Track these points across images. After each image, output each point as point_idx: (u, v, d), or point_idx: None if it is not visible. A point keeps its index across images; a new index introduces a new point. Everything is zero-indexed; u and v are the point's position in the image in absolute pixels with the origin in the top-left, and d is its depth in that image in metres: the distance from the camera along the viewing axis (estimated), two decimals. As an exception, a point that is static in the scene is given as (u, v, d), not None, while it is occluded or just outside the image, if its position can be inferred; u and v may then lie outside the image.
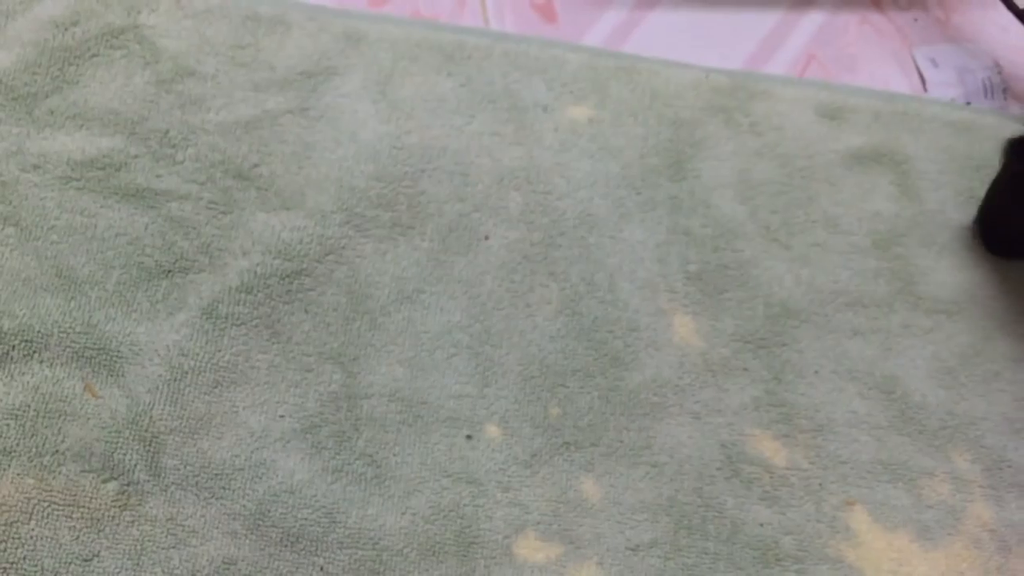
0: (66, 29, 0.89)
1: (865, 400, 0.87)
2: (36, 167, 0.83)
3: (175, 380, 0.77)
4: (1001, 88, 1.06)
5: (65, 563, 0.70)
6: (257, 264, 0.82)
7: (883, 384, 0.87)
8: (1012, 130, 1.01)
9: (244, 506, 0.74)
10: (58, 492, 0.72)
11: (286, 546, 0.74)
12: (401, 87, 0.93)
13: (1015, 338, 0.92)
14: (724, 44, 1.04)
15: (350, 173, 0.88)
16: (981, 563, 0.82)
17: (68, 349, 0.77)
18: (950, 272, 0.93)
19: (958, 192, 0.97)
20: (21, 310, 0.77)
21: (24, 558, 0.70)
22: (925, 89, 1.05)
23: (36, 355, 0.76)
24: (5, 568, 0.69)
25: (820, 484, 0.82)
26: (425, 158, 0.90)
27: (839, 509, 0.82)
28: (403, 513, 0.76)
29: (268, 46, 0.92)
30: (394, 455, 0.78)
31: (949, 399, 0.88)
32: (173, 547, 0.72)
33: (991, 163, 0.97)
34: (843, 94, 1.01)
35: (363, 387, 0.80)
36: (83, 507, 0.72)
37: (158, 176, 0.84)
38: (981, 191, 0.97)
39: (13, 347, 0.75)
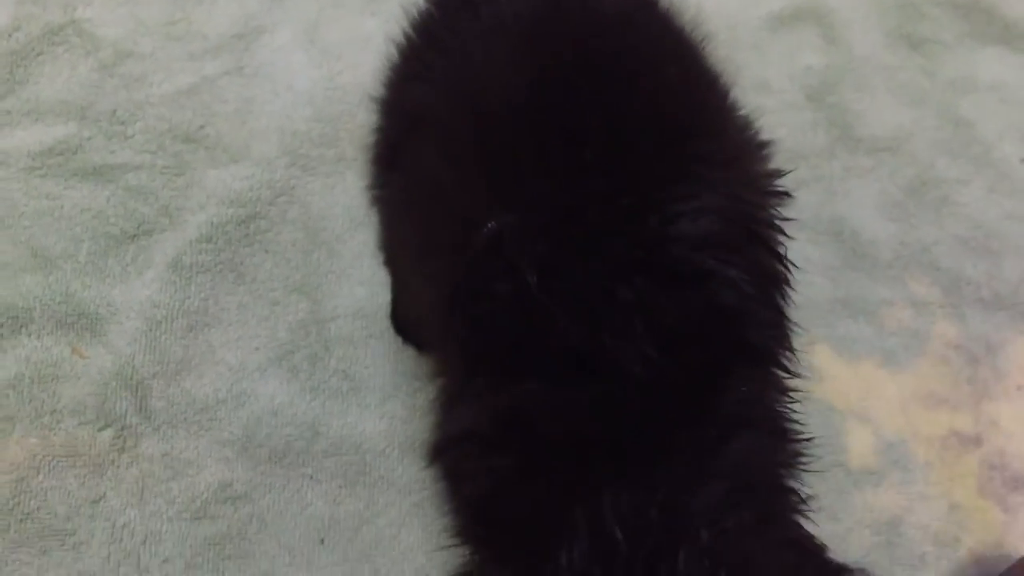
0: (10, 35, 0.94)
1: (816, 245, 0.88)
2: (0, 164, 0.89)
3: (151, 330, 0.82)
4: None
5: (75, 507, 0.76)
6: (213, 216, 0.87)
7: (831, 227, 0.89)
8: None
9: (232, 433, 0.79)
10: (60, 446, 0.78)
11: (275, 462, 0.79)
12: (328, 33, 0.97)
13: (961, 161, 0.93)
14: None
15: (290, 119, 0.92)
16: (951, 378, 0.84)
17: (52, 319, 0.82)
18: (889, 110, 0.94)
19: (887, 33, 0.98)
20: (4, 291, 0.83)
21: (38, 508, 0.76)
22: (840, -59, 1.06)
23: (23, 329, 0.82)
24: (22, 519, 0.75)
25: (780, 329, 0.85)
26: (359, 94, 0.93)
27: (800, 350, 0.84)
28: (381, 417, 0.81)
29: (198, 17, 0.97)
30: (365, 367, 0.83)
31: (900, 231, 0.89)
32: (172, 479, 0.78)
33: (916, 2, 0.97)
34: (759, -39, 1.02)
35: (329, 311, 0.84)
36: (84, 455, 0.78)
37: (112, 152, 0.90)
38: (909, 28, 0.98)
39: (2, 325, 0.81)
